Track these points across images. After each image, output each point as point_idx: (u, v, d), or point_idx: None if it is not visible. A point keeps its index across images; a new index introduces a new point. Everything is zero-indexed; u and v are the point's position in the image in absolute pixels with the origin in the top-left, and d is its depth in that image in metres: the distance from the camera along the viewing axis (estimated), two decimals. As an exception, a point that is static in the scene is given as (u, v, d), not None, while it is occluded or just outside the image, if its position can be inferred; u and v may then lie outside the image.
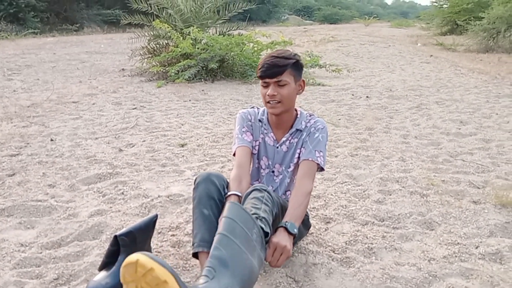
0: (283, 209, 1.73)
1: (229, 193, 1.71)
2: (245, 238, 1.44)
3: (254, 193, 1.61)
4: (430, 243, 2.06)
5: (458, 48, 12.50)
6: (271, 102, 1.80)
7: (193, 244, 1.63)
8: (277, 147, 1.93)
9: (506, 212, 2.39)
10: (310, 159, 1.82)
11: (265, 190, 1.63)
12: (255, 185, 1.66)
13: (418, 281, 1.76)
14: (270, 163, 1.96)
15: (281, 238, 1.55)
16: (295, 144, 1.92)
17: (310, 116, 1.95)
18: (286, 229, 1.58)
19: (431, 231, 2.19)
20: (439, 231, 2.18)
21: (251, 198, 1.60)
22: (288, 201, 1.93)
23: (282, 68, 1.75)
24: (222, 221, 1.47)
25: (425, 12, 25.45)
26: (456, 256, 1.95)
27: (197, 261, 1.86)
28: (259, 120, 1.97)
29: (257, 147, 1.97)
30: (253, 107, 2.03)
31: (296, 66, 1.81)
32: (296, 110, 1.95)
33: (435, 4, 22.21)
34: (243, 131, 1.94)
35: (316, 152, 1.83)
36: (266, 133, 1.95)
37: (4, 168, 3.00)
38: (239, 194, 1.69)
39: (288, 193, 1.99)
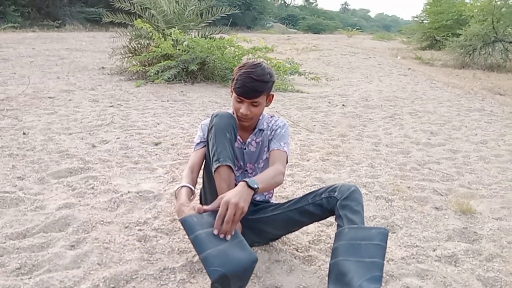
0: None
1: (181, 184, 1.76)
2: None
3: None
4: (390, 245, 2.13)
5: (436, 63, 12.85)
6: (242, 118, 1.88)
7: (218, 160, 1.71)
8: (245, 148, 2.02)
9: (465, 218, 2.49)
10: (276, 148, 1.91)
11: None
12: None
13: (375, 279, 1.81)
14: (241, 164, 2.03)
15: (234, 194, 1.53)
16: (261, 143, 2.02)
17: (271, 117, 2.06)
18: (246, 183, 1.57)
19: (392, 234, 2.26)
20: (400, 234, 2.26)
21: None
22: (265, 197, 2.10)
23: (259, 93, 1.83)
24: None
25: (406, 27, 26.12)
26: (413, 258, 2.02)
27: (162, 255, 1.90)
28: None
29: None
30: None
31: (271, 86, 1.89)
32: None
33: (416, 19, 22.96)
34: (200, 142, 1.98)
35: (282, 143, 1.94)
36: None
37: (-27, 159, 2.97)
38: (191, 187, 1.77)
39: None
